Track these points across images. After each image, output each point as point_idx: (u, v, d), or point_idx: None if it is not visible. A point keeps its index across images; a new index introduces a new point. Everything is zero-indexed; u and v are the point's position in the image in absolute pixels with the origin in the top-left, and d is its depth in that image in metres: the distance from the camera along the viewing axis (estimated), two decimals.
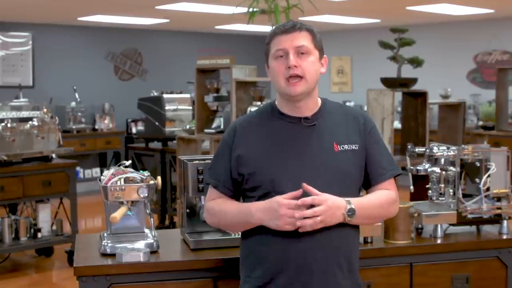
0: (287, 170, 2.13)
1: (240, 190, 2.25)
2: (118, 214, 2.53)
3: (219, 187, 2.26)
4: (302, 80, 2.15)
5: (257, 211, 2.12)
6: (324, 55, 2.24)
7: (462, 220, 2.86)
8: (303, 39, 2.16)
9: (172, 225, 7.02)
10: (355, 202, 2.13)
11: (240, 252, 2.29)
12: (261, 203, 2.13)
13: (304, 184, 2.06)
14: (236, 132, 2.25)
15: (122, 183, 2.59)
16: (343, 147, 2.18)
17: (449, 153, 2.91)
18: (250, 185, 2.18)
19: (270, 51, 2.21)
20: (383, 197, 2.24)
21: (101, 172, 7.12)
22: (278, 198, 2.08)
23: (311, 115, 2.21)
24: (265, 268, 2.16)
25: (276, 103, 2.27)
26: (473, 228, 2.96)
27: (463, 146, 2.92)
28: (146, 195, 2.59)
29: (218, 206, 2.26)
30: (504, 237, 2.88)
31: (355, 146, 2.20)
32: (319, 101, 2.27)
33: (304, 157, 2.15)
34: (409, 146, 3.02)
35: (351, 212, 2.10)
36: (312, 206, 2.06)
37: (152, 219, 2.71)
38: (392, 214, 2.32)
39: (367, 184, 2.27)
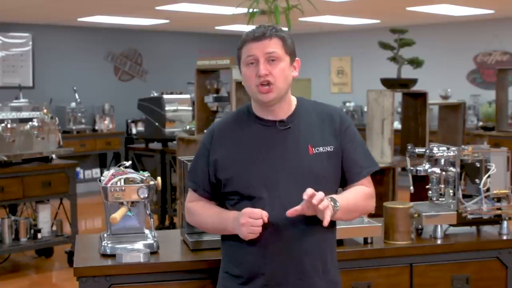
0: (262, 175, 2.15)
1: (219, 193, 2.27)
2: (118, 214, 2.53)
3: (199, 190, 2.30)
4: (273, 87, 2.15)
5: (232, 220, 2.16)
6: (297, 58, 2.24)
7: (462, 221, 2.85)
8: (273, 47, 2.15)
9: (172, 226, 7.01)
10: (334, 196, 2.14)
11: (221, 249, 2.32)
12: (236, 212, 2.16)
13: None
14: (213, 136, 2.26)
15: (122, 183, 2.59)
16: (318, 150, 2.19)
17: (449, 154, 2.91)
18: (227, 189, 2.21)
19: (241, 57, 2.20)
20: (358, 190, 2.24)
21: (101, 172, 7.11)
22: (245, 209, 2.10)
23: (286, 117, 2.22)
24: (242, 270, 2.19)
25: (252, 105, 2.28)
26: (473, 228, 2.96)
27: (463, 146, 2.91)
28: (146, 195, 2.59)
29: (199, 209, 2.30)
30: (504, 237, 2.88)
31: (330, 148, 2.21)
32: (295, 101, 2.27)
33: (279, 161, 2.17)
34: (409, 147, 3.02)
35: (334, 201, 2.10)
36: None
37: (152, 219, 2.71)
38: (369, 208, 2.31)
39: (343, 183, 2.28)
